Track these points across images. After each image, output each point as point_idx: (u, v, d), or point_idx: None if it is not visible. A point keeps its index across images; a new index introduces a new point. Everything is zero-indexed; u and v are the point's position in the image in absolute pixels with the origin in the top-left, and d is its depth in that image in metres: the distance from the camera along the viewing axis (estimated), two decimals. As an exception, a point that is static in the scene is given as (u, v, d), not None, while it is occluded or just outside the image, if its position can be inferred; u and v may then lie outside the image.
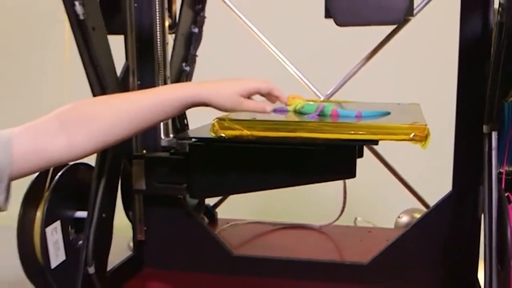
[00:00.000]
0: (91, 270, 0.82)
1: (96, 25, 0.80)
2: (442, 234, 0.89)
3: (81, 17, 0.77)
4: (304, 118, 0.80)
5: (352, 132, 0.75)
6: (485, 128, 0.76)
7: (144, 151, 0.92)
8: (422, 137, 0.73)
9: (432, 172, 1.30)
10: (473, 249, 0.87)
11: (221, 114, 0.75)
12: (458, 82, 0.85)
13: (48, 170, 0.86)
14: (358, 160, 0.84)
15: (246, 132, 0.77)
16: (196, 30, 1.06)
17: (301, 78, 1.15)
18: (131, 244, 1.29)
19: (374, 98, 0.98)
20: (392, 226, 1.30)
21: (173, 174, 0.89)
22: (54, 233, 0.85)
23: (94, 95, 0.82)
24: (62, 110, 0.61)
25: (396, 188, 1.16)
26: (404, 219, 1.34)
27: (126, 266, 0.94)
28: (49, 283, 0.86)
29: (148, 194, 0.93)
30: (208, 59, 1.08)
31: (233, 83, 0.67)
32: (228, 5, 1.14)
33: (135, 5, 0.90)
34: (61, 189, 0.86)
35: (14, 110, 1.66)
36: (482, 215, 0.80)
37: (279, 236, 1.09)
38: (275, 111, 0.84)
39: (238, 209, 1.18)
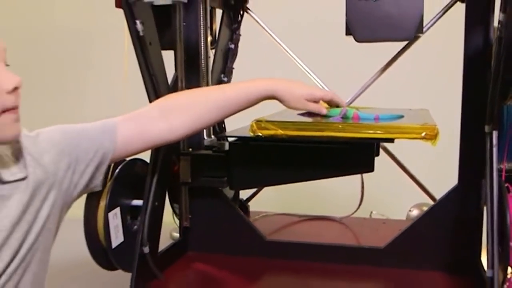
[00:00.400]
0: (146, 250, 0.95)
1: (152, 41, 0.94)
2: (449, 222, 0.98)
3: (141, 34, 0.91)
4: (330, 120, 0.91)
5: (372, 131, 0.87)
6: (486, 128, 0.87)
7: (190, 149, 1.04)
8: (432, 136, 0.84)
9: (438, 170, 1.40)
10: (476, 234, 0.96)
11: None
12: (463, 88, 0.95)
13: (109, 165, 0.99)
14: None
15: (280, 132, 0.89)
16: (232, 46, 1.21)
17: (323, 87, 1.27)
18: (174, 234, 1.43)
19: (388, 105, 1.09)
20: (403, 218, 1.40)
21: (215, 169, 1.01)
22: (115, 218, 0.99)
23: (150, 100, 0.95)
24: (160, 100, 0.75)
25: (407, 184, 1.25)
26: (415, 212, 1.42)
27: (173, 249, 1.06)
28: (110, 261, 0.99)
29: (193, 186, 1.04)
30: (242, 72, 1.21)
31: (304, 88, 0.80)
32: (259, 23, 1.24)
33: (184, 24, 1.03)
34: (121, 181, 0.99)
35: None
36: (484, 206, 0.91)
37: (304, 225, 1.21)
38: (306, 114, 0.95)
39: (267, 203, 1.31)
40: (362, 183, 1.21)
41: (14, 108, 0.60)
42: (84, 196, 0.94)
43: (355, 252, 1.05)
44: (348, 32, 1.02)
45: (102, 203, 0.98)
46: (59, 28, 2.28)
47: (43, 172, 0.63)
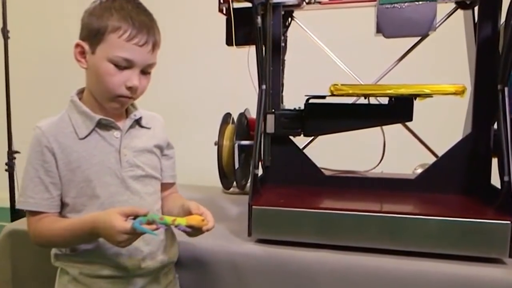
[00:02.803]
0: (257, 171, 1.20)
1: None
2: (466, 157, 1.24)
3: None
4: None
5: (414, 90, 1.18)
6: (499, 86, 1.14)
7: (273, 110, 1.33)
8: (460, 91, 1.16)
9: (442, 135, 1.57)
10: (487, 166, 1.22)
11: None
12: (476, 63, 1.24)
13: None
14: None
15: (351, 91, 1.19)
16: (283, 44, 1.44)
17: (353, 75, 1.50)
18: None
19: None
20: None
21: (292, 122, 1.31)
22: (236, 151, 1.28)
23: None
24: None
25: (410, 148, 1.50)
26: (419, 170, 1.57)
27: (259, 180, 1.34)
28: (232, 180, 1.28)
29: (275, 135, 1.32)
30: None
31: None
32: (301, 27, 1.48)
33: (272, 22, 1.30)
34: (237, 126, 1.27)
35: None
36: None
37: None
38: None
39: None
40: (384, 142, 1.48)
41: (126, 97, 0.95)
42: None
43: (394, 182, 1.34)
44: (378, 31, 1.28)
45: (227, 142, 1.28)
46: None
47: None
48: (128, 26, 0.91)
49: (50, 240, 0.96)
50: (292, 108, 1.36)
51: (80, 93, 1.02)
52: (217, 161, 1.33)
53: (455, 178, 1.28)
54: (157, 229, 0.87)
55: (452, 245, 1.09)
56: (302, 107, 1.35)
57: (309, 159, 1.35)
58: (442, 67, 1.70)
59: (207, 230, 0.93)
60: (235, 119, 1.40)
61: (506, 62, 1.14)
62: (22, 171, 0.97)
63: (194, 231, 0.92)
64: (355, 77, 1.47)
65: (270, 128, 1.31)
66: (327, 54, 1.50)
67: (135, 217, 0.88)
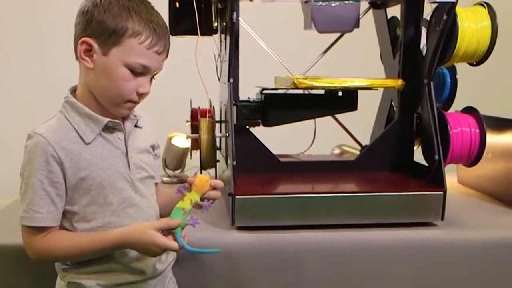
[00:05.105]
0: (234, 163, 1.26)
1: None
2: (394, 140, 1.42)
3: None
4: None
5: (366, 84, 1.33)
6: (425, 81, 1.33)
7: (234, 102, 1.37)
8: (399, 85, 1.35)
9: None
10: (411, 147, 1.42)
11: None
12: (402, 61, 1.43)
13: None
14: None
15: (312, 83, 1.29)
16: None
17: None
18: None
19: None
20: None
21: (253, 114, 1.37)
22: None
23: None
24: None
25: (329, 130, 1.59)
26: (337, 150, 1.84)
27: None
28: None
29: (238, 126, 1.36)
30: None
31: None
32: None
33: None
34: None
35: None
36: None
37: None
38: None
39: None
40: (315, 130, 1.61)
41: (133, 102, 0.93)
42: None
43: (338, 164, 1.52)
44: (309, 26, 1.37)
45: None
46: None
47: None
48: (149, 32, 0.87)
49: (61, 257, 0.91)
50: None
51: (73, 91, 0.93)
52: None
53: (387, 158, 1.47)
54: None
55: (400, 214, 1.29)
56: (252, 98, 1.41)
57: (266, 148, 1.42)
58: (361, 60, 1.89)
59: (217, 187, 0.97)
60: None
61: (432, 61, 1.34)
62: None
63: (212, 196, 0.96)
64: (288, 69, 1.56)
65: (233, 119, 1.34)
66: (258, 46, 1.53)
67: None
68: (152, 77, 0.94)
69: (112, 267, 0.92)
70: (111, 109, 0.92)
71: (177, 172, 1.73)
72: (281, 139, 1.63)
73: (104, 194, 0.90)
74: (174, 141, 1.69)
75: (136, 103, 0.93)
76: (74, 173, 0.88)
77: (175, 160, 1.70)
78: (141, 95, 0.92)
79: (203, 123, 1.33)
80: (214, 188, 0.96)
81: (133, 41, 0.86)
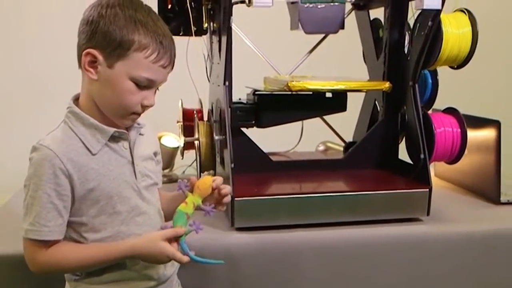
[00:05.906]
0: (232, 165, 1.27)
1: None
2: (380, 139, 1.47)
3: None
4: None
5: (357, 86, 1.37)
6: (410, 83, 1.40)
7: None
8: (387, 88, 1.39)
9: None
10: (396, 145, 1.47)
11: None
12: (387, 63, 1.49)
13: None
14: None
15: (306, 86, 1.32)
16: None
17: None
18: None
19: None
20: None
21: (247, 115, 1.39)
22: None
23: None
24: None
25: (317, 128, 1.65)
26: (322, 147, 1.86)
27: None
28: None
29: (233, 126, 1.37)
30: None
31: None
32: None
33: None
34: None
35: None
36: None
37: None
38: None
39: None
40: (302, 128, 1.62)
41: (138, 114, 0.92)
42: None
43: (327, 162, 1.56)
44: (296, 27, 1.41)
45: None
46: None
47: None
48: (156, 46, 0.86)
49: (66, 269, 0.91)
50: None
51: (75, 100, 0.92)
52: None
53: (373, 156, 1.52)
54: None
55: (389, 211, 1.35)
56: (243, 99, 1.42)
57: (259, 148, 1.44)
58: (345, 60, 1.93)
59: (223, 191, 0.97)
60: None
61: (417, 65, 1.40)
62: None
63: (219, 200, 0.97)
64: (275, 69, 1.59)
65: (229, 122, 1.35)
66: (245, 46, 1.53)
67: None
68: (157, 88, 0.94)
69: (124, 276, 0.92)
70: (116, 120, 0.91)
71: (166, 171, 1.73)
72: (267, 136, 1.66)
73: (113, 204, 0.90)
74: (163, 141, 1.69)
75: (140, 114, 0.93)
76: (82, 185, 0.87)
77: (165, 159, 1.69)
78: (147, 108, 0.92)
79: (202, 126, 1.34)
80: (215, 189, 0.96)
81: (139, 55, 0.85)
